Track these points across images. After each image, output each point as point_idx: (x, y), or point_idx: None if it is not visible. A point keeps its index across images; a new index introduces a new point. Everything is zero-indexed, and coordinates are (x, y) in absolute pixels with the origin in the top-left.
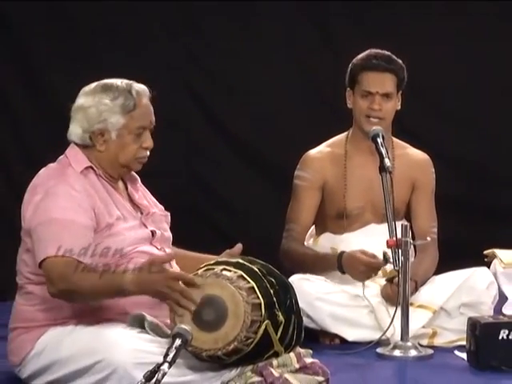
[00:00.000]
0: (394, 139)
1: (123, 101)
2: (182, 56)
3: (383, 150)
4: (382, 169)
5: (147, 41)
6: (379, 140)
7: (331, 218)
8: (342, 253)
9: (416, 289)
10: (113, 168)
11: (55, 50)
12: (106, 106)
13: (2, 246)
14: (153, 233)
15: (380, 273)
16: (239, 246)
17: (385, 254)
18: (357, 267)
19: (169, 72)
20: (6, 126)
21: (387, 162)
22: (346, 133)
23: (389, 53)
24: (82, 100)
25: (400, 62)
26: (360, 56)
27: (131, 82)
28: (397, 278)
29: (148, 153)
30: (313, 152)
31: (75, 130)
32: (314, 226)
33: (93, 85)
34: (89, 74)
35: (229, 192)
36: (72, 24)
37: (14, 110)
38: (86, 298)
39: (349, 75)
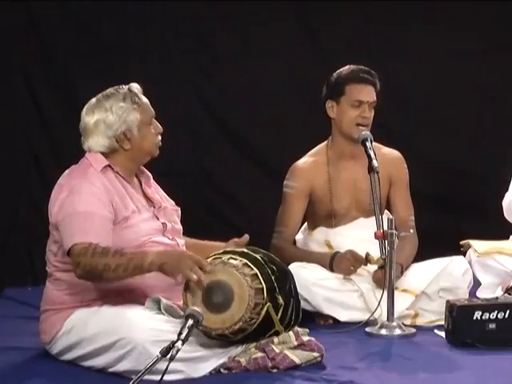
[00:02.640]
0: None
1: (131, 99)
2: (193, 67)
3: (371, 153)
4: (371, 169)
5: (163, 54)
6: (368, 144)
7: (321, 217)
8: (336, 253)
9: (402, 272)
10: (137, 160)
11: (83, 63)
12: (122, 107)
13: (35, 240)
14: (164, 225)
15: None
16: (246, 237)
17: (367, 256)
18: (344, 264)
19: (181, 81)
20: (41, 134)
21: (375, 163)
22: (326, 141)
23: (367, 68)
24: (94, 116)
25: (376, 75)
26: (343, 71)
27: (120, 85)
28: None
29: (160, 137)
30: (299, 163)
31: (100, 142)
32: (306, 223)
33: (93, 100)
34: (111, 85)
35: (235, 189)
36: (96, 41)
37: (48, 120)
38: (110, 277)
39: (333, 88)
